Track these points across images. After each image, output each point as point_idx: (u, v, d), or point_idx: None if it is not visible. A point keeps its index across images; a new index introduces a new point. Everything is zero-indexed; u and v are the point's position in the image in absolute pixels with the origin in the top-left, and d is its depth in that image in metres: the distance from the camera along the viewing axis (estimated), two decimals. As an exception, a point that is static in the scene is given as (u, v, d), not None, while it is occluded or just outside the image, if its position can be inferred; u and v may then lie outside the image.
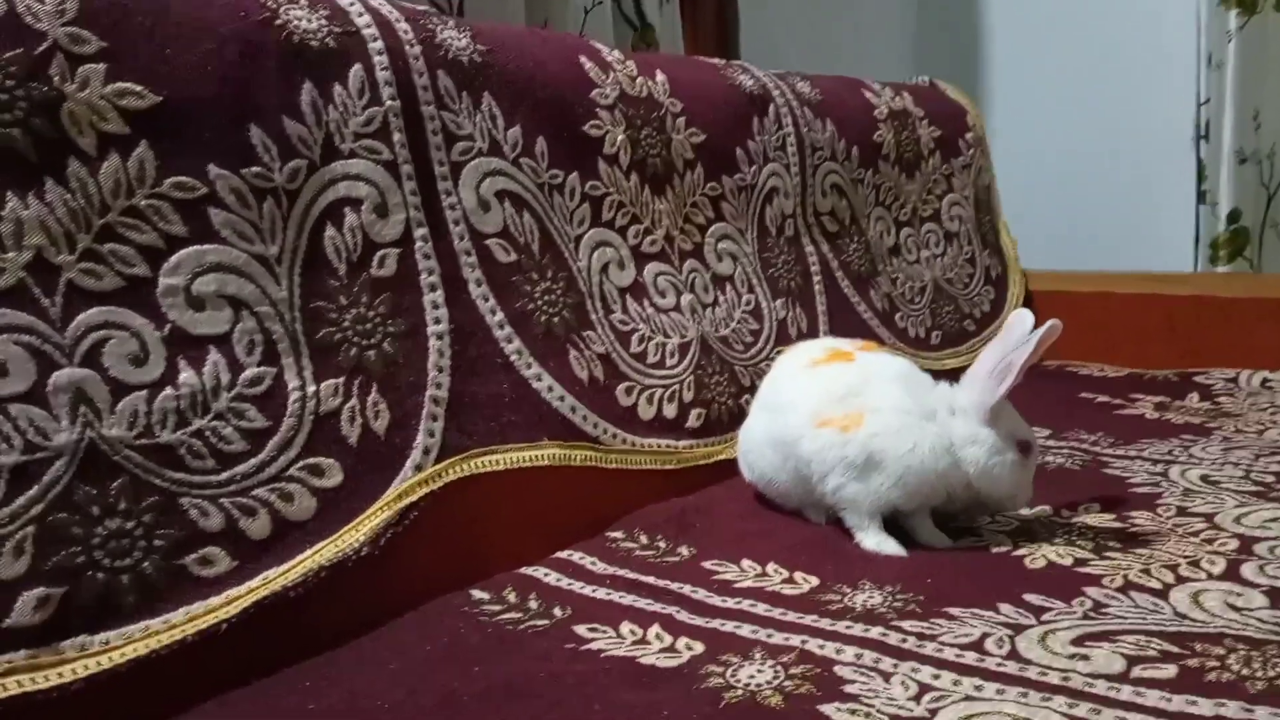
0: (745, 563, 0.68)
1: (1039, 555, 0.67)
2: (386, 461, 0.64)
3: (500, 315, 0.74)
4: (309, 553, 0.58)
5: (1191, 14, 1.67)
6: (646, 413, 0.84)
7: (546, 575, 0.66)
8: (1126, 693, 0.48)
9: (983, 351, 0.73)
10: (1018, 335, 0.71)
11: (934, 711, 0.47)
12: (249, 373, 0.59)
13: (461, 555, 0.67)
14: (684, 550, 0.71)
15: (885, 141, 1.27)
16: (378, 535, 0.61)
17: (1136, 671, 0.50)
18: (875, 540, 0.70)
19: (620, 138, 0.88)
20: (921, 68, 1.53)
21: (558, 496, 0.74)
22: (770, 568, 0.67)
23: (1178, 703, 0.47)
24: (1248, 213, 1.66)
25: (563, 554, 0.70)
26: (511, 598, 0.62)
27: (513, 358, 0.74)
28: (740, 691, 0.50)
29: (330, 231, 0.65)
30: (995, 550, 0.69)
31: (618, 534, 0.74)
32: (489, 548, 0.68)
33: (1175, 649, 0.52)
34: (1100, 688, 0.48)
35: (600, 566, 0.68)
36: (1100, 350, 1.42)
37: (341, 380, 0.63)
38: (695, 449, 0.87)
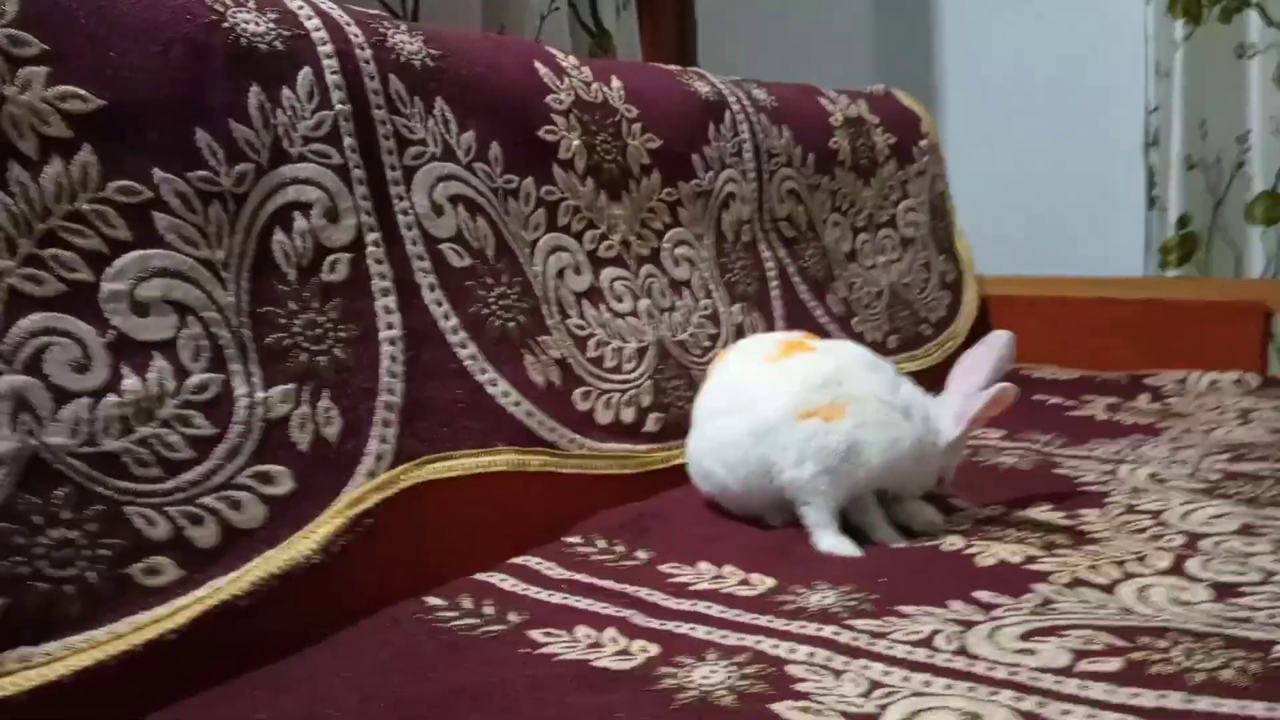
0: (702, 565, 0.68)
1: (990, 553, 0.68)
2: (339, 468, 0.63)
3: (454, 320, 0.74)
4: (258, 561, 0.57)
5: (1140, 24, 1.70)
6: (604, 417, 0.84)
7: (503, 581, 0.66)
8: (1072, 685, 0.48)
9: (957, 368, 0.75)
10: (993, 358, 0.73)
11: (883, 708, 0.47)
12: (195, 379, 0.58)
13: (417, 562, 0.66)
14: (641, 554, 0.71)
15: (841, 148, 1.28)
16: (329, 543, 0.60)
17: (1082, 665, 0.50)
18: (832, 541, 0.70)
19: (576, 143, 0.88)
20: (879, 76, 1.55)
21: (515, 502, 0.74)
22: (726, 569, 0.67)
23: (1121, 695, 0.47)
24: (1197, 218, 1.69)
25: (519, 559, 0.69)
26: (467, 604, 0.62)
27: (467, 363, 0.74)
28: (693, 692, 0.50)
29: (279, 236, 0.65)
30: (947, 549, 0.69)
31: (575, 539, 0.74)
32: (445, 554, 0.68)
33: (1121, 642, 0.53)
34: (1047, 681, 0.49)
35: (557, 571, 0.68)
36: (1054, 353, 1.45)
37: (291, 386, 0.62)
38: (653, 453, 0.87)
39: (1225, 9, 1.67)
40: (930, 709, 0.46)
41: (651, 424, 0.88)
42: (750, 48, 1.66)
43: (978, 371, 0.72)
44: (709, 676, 0.51)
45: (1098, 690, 0.48)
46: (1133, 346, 1.39)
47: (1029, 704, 0.47)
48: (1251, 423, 1.05)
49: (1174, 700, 0.46)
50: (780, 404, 0.71)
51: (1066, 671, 0.50)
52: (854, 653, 0.53)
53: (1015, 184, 1.83)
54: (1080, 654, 0.52)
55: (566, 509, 0.76)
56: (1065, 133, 1.81)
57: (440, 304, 0.73)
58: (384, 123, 0.73)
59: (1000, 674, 0.50)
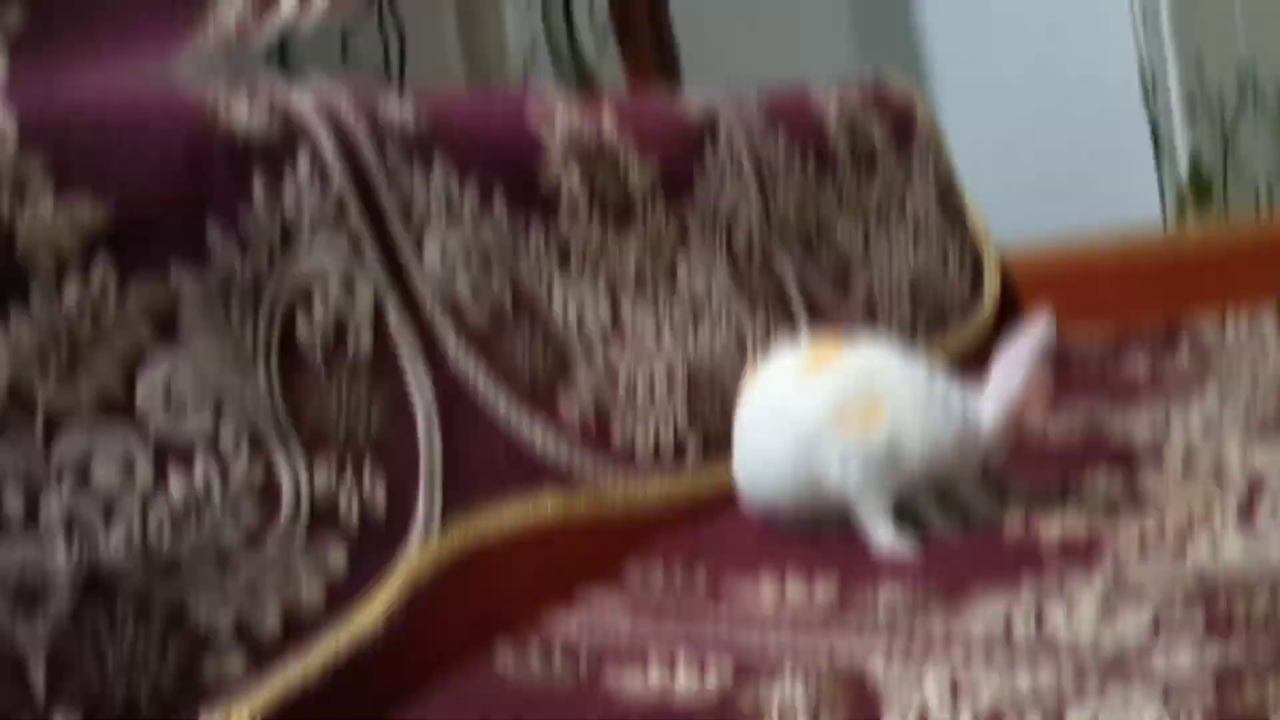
0: (764, 583, 0.67)
1: (1052, 528, 0.67)
2: (389, 538, 0.64)
3: (483, 376, 0.74)
4: (323, 643, 0.57)
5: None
6: (644, 447, 0.84)
7: (569, 626, 0.66)
8: (1160, 654, 0.47)
9: (999, 359, 0.74)
10: (1034, 344, 0.72)
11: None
12: (240, 470, 0.58)
13: (479, 620, 0.66)
14: (702, 580, 0.70)
15: (839, 146, 1.28)
16: (391, 614, 0.60)
17: (1165, 628, 0.49)
18: (888, 540, 0.70)
19: (576, 183, 0.89)
20: (865, 55, 1.55)
21: (567, 545, 0.74)
22: (789, 583, 0.67)
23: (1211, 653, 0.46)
24: (1207, 155, 1.68)
25: (582, 601, 0.69)
26: (536, 655, 0.62)
27: (502, 414, 0.74)
28: (778, 713, 0.49)
29: (300, 318, 0.65)
30: (1007, 530, 0.68)
31: (634, 573, 0.73)
32: (506, 607, 0.68)
33: (1201, 601, 0.52)
34: (1132, 646, 0.48)
35: (621, 609, 0.67)
36: (1085, 312, 1.43)
37: (334, 464, 0.63)
38: (698, 476, 0.86)
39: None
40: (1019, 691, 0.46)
41: (692, 446, 0.87)
42: (730, 47, 1.67)
43: (1019, 359, 0.71)
44: (790, 694, 0.51)
45: (1183, 658, 0.47)
46: (1164, 298, 1.37)
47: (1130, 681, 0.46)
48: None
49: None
50: (817, 415, 0.71)
51: (1154, 635, 0.49)
52: (930, 650, 0.53)
53: (1020, 145, 1.81)
54: (1161, 618, 0.50)
55: (620, 542, 0.76)
56: (1061, 88, 1.79)
57: (467, 362, 0.74)
58: (388, 192, 0.73)
59: (1087, 649, 0.49)
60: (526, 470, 0.73)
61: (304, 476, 0.61)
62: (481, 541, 0.68)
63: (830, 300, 1.14)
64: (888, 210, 1.33)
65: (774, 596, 0.65)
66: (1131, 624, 0.50)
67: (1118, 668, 0.46)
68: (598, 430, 0.81)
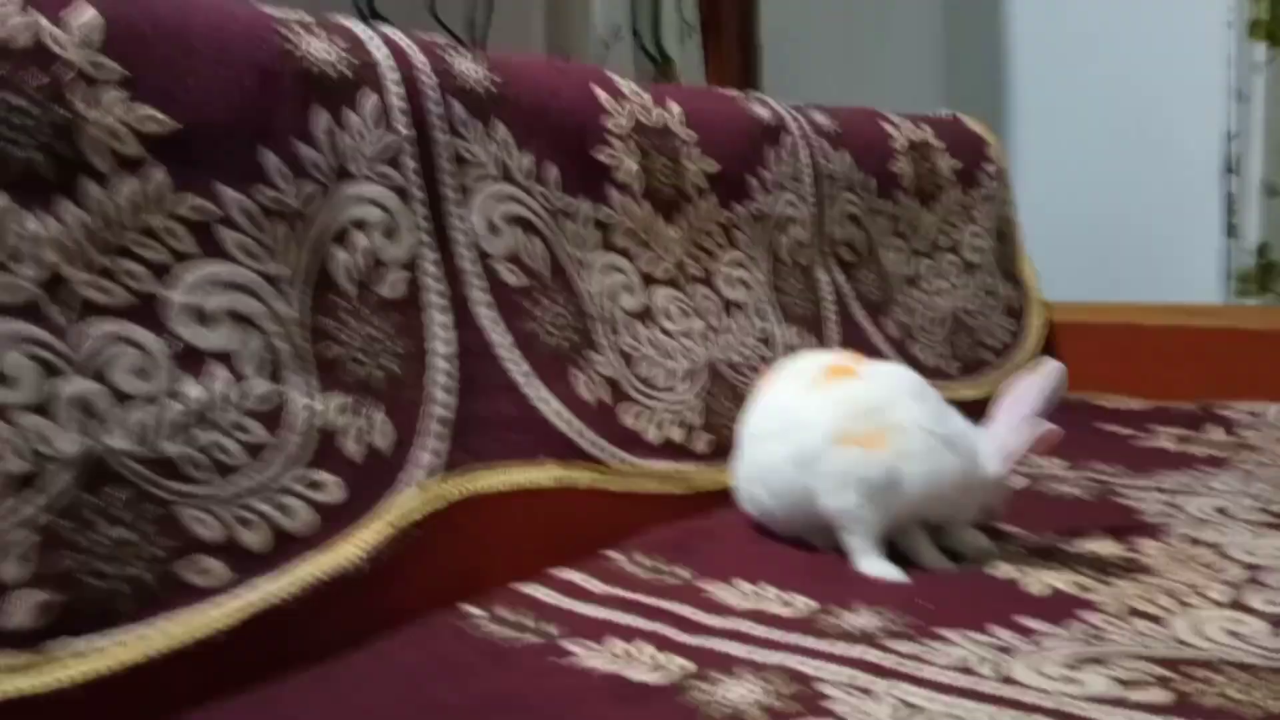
0: (742, 584, 0.68)
1: (1040, 581, 0.66)
2: (389, 479, 0.65)
3: (508, 337, 0.76)
4: (306, 566, 0.59)
5: (1220, 46, 1.66)
6: (653, 437, 0.85)
7: (541, 592, 0.67)
8: (1119, 716, 0.47)
9: (1005, 395, 0.73)
10: (1042, 388, 0.71)
11: (916, 732, 0.47)
12: (255, 389, 0.60)
13: (462, 574, 0.67)
14: (681, 571, 0.71)
15: (904, 173, 1.27)
16: (377, 551, 0.62)
17: (1131, 695, 0.49)
18: (875, 565, 0.70)
19: (634, 167, 0.90)
20: (949, 101, 1.54)
21: (561, 518, 0.75)
22: (767, 589, 0.67)
23: (1166, 728, 0.46)
24: (1277, 246, 1.64)
25: (558, 572, 0.70)
26: (506, 615, 0.63)
27: (519, 379, 0.75)
28: (727, 709, 0.50)
29: (341, 253, 0.67)
30: (996, 575, 0.68)
31: (616, 554, 0.74)
32: (490, 567, 0.69)
33: (1171, 675, 0.51)
34: (1093, 712, 0.48)
35: (597, 586, 0.68)
36: (1123, 382, 1.41)
37: (348, 398, 0.65)
38: (702, 474, 0.87)
39: (1309, 32, 1.62)
40: (964, 734, 0.46)
41: (701, 444, 0.88)
42: (816, 72, 1.67)
43: (1025, 402, 0.71)
44: (743, 695, 0.51)
45: (1142, 722, 0.47)
46: (1206, 376, 1.34)
47: (1066, 733, 0.46)
48: (1331, 457, 1.00)
49: (1223, 735, 0.45)
50: (821, 432, 0.71)
51: (1116, 702, 0.49)
52: (889, 675, 0.53)
53: (1088, 210, 1.79)
54: (1128, 684, 0.50)
55: (613, 526, 0.77)
56: (1140, 157, 1.77)
57: (495, 321, 0.75)
58: (445, 145, 0.75)
59: (1047, 704, 0.49)
60: (533, 437, 0.75)
61: (315, 404, 0.63)
62: (477, 498, 0.70)
63: (865, 321, 1.14)
64: (941, 243, 1.33)
65: (748, 601, 0.65)
66: (1098, 686, 0.50)
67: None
68: (610, 412, 0.82)
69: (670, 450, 0.86)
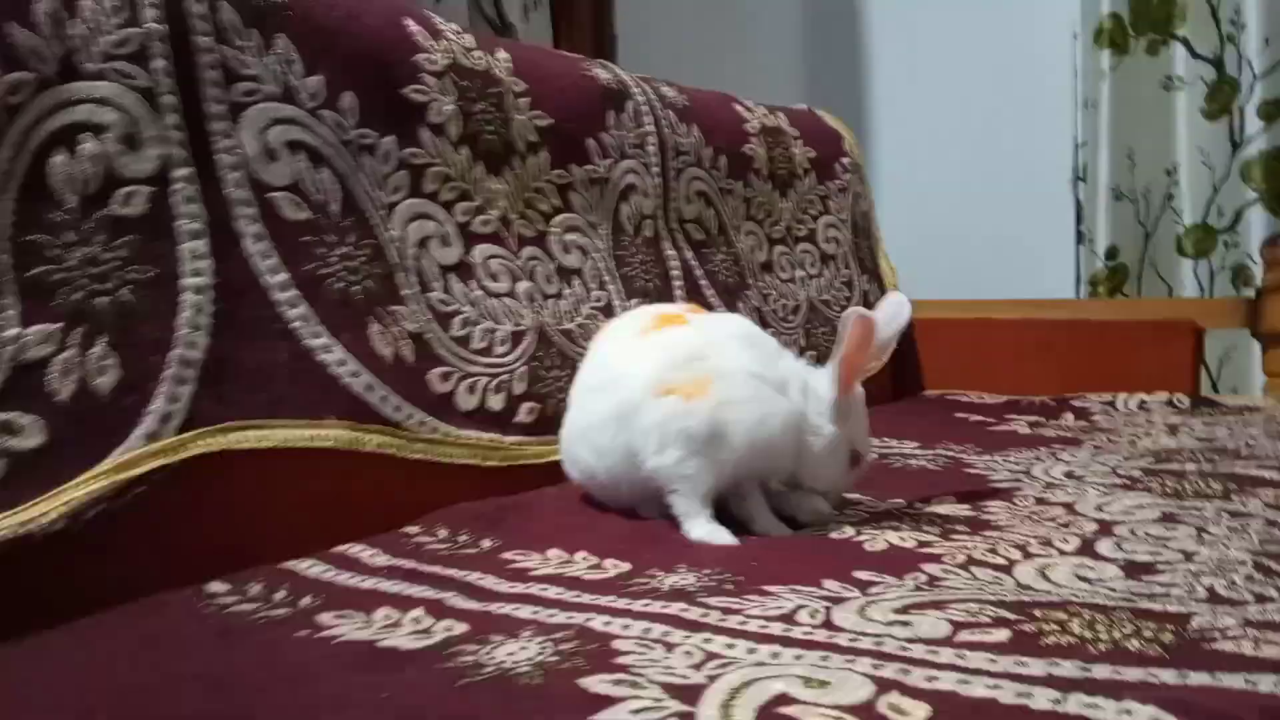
0: (552, 552, 0.59)
1: (881, 539, 0.59)
2: (109, 426, 0.54)
3: (283, 276, 0.65)
4: (-15, 522, 0.47)
5: (1067, 56, 1.69)
6: (467, 402, 0.75)
7: (309, 567, 0.56)
8: (947, 655, 0.40)
9: (842, 332, 0.67)
10: (881, 319, 0.65)
11: (713, 678, 0.38)
12: (-74, 303, 0.49)
13: (217, 544, 0.56)
14: (486, 543, 0.61)
15: (757, 155, 1.22)
16: (81, 509, 0.50)
17: (963, 635, 0.42)
18: (705, 529, 0.62)
19: (449, 108, 0.81)
20: (807, 99, 1.51)
21: (347, 487, 0.65)
22: (579, 556, 0.58)
23: (1004, 663, 0.39)
24: (1125, 250, 1.66)
25: (341, 548, 0.59)
26: (254, 590, 0.52)
27: (295, 324, 0.65)
28: (491, 669, 0.40)
29: (60, 158, 0.56)
30: (835, 536, 0.61)
31: (414, 529, 0.64)
32: (253, 539, 0.58)
33: (1012, 616, 0.44)
34: (917, 651, 0.40)
35: (380, 559, 0.58)
36: (979, 379, 1.39)
37: (57, 327, 0.53)
38: (525, 446, 0.78)
39: (1151, 41, 1.67)
40: (769, 678, 0.38)
41: (524, 414, 0.79)
42: (672, 64, 1.62)
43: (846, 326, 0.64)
44: (516, 654, 0.42)
45: (977, 659, 0.39)
46: (1061, 369, 1.33)
47: (889, 670, 0.38)
48: (1179, 434, 0.98)
49: (1067, 668, 0.38)
50: (641, 382, 0.63)
51: (944, 642, 0.41)
52: (697, 628, 0.44)
53: (945, 214, 1.79)
54: (962, 625, 0.43)
55: (412, 499, 0.67)
56: (995, 164, 1.78)
57: (267, 256, 0.65)
58: (209, 50, 0.65)
59: (864, 644, 0.41)
60: (311, 391, 0.64)
61: (10, 332, 0.51)
62: (234, 457, 0.59)
63: (717, 303, 1.08)
64: (796, 232, 1.28)
65: (552, 567, 0.56)
66: (927, 628, 0.43)
67: (881, 656, 0.38)
68: (413, 372, 0.72)
69: (487, 418, 0.76)
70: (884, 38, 1.93)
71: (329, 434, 0.63)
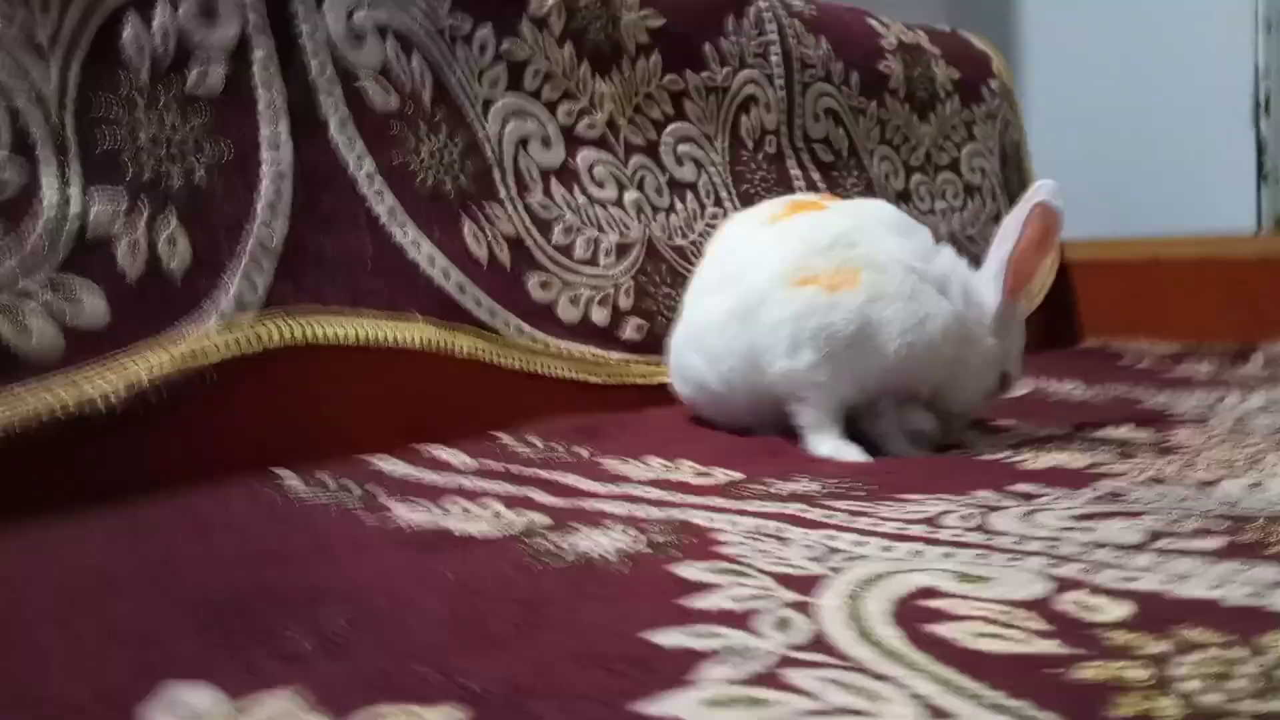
0: (653, 460, 0.52)
1: (1042, 459, 0.50)
2: (179, 308, 0.50)
3: (369, 165, 0.60)
4: (42, 397, 0.43)
5: (1249, -28, 1.50)
6: (569, 314, 0.69)
7: (386, 463, 0.51)
8: (1144, 560, 0.31)
9: (995, 239, 0.57)
10: (1027, 209, 0.55)
11: (837, 570, 0.30)
12: (-13, 168, 0.45)
13: (288, 438, 0.52)
14: (582, 451, 0.55)
15: (893, 73, 1.12)
16: (146, 389, 0.46)
17: (1162, 543, 0.33)
18: (833, 445, 0.53)
19: (553, 4, 0.75)
20: (949, 21, 1.38)
21: (433, 390, 0.59)
22: (683, 464, 0.51)
23: (1220, 570, 0.30)
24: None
25: (420, 447, 0.54)
26: (324, 480, 0.47)
27: (381, 216, 0.60)
28: (571, 556, 0.34)
29: (131, 26, 0.52)
30: (985, 457, 0.52)
31: (504, 435, 0.58)
32: (330, 435, 0.53)
33: (1222, 526, 0.35)
34: (1104, 555, 0.32)
35: (463, 461, 0.52)
36: (1150, 324, 1.24)
37: (123, 202, 0.49)
38: (630, 365, 0.71)
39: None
40: (910, 571, 0.30)
41: (631, 330, 0.72)
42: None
43: (1016, 224, 0.55)
44: (601, 543, 0.35)
45: (1185, 564, 0.30)
46: (1244, 315, 1.17)
47: (1069, 570, 0.29)
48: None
49: (1313, 576, 0.29)
50: (771, 270, 0.54)
51: (1138, 548, 0.32)
52: (818, 526, 0.37)
53: (1103, 145, 1.62)
54: (1160, 533, 0.34)
55: (504, 411, 0.61)
56: (1162, 93, 1.60)
57: (351, 143, 0.60)
58: (290, -78, 0.60)
59: (1033, 546, 0.33)
60: (396, 285, 0.59)
61: (74, 204, 0.48)
62: (312, 349, 0.54)
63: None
64: (938, 160, 1.17)
65: (653, 473, 0.49)
66: (1114, 533, 0.34)
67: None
68: (510, 276, 0.66)
69: (590, 332, 0.70)
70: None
71: (415, 333, 0.58)
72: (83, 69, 0.50)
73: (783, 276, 0.53)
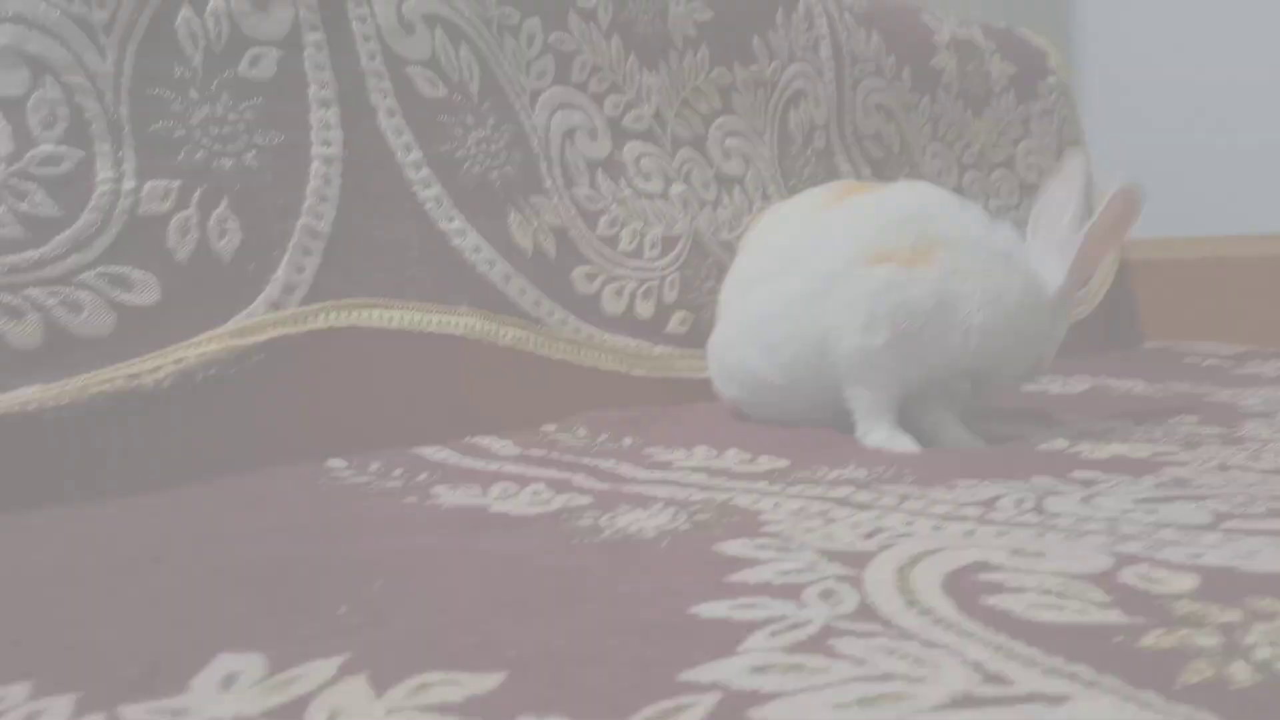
0: (699, 449, 0.51)
1: (1103, 449, 0.48)
2: (229, 291, 0.50)
3: (417, 154, 0.60)
4: (90, 376, 0.44)
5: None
6: (614, 306, 0.69)
7: (434, 452, 0.51)
8: (1211, 539, 0.29)
9: (1035, 217, 0.56)
10: (1074, 186, 0.54)
11: (887, 547, 0.29)
12: (42, 149, 0.46)
13: (334, 424, 0.52)
14: (627, 440, 0.54)
15: (946, 69, 1.10)
16: (194, 370, 0.47)
17: (1231, 524, 0.31)
18: (885, 434, 0.52)
19: (600, -2, 0.74)
20: (1009, 21, 1.36)
21: (478, 380, 0.59)
22: (729, 452, 0.50)
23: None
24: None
25: (468, 438, 0.54)
26: (372, 466, 0.47)
27: (428, 205, 0.60)
28: (610, 532, 0.33)
29: (185, 11, 0.53)
30: (1043, 448, 0.50)
31: (550, 427, 0.58)
32: (376, 422, 0.53)
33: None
34: (1168, 535, 0.30)
35: (508, 449, 0.52)
36: (1212, 329, 1.20)
37: (175, 184, 0.50)
38: (675, 359, 0.71)
39: None
40: (962, 548, 0.28)
41: (676, 324, 0.72)
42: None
43: (1063, 209, 0.53)
44: (642, 521, 0.35)
45: (1255, 542, 0.29)
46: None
47: (1133, 547, 0.28)
48: None
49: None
50: (842, 250, 0.52)
51: (1206, 528, 0.31)
52: (867, 508, 0.36)
53: (1163, 143, 1.58)
54: (1228, 515, 0.32)
55: (548, 403, 0.61)
56: (1228, 90, 1.55)
57: (400, 133, 0.60)
58: (343, -87, 0.61)
59: (1092, 526, 0.31)
60: (442, 275, 0.59)
61: (128, 185, 0.48)
62: (359, 335, 0.54)
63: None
64: (992, 157, 1.15)
65: (697, 460, 0.48)
66: (1180, 515, 0.32)
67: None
68: (555, 267, 0.66)
69: (635, 325, 0.69)
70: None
71: (461, 321, 0.58)
72: (138, 54, 0.51)
73: (857, 255, 0.51)
